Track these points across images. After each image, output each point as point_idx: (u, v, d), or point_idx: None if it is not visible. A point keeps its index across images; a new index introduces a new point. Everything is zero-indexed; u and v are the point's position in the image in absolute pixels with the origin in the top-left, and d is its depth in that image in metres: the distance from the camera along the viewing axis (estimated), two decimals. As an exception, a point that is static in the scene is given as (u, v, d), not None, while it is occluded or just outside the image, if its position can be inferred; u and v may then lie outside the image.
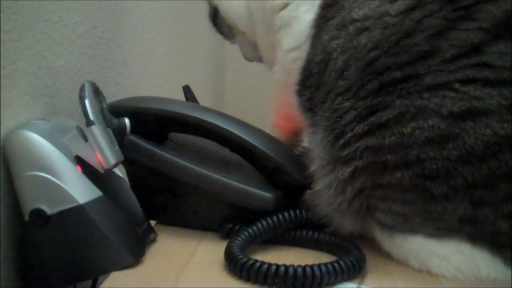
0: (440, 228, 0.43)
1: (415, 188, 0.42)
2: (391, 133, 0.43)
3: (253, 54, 0.68)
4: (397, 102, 0.43)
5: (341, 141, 0.45)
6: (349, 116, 0.45)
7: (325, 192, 0.47)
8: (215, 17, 0.69)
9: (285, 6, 0.57)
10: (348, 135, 0.45)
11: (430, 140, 0.41)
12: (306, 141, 0.60)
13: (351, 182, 0.45)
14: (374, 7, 0.46)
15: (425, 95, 0.42)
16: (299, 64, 0.53)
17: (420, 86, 0.42)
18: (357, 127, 0.44)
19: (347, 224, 0.48)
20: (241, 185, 0.50)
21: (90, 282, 0.47)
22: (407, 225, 0.44)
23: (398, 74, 0.43)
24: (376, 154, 0.43)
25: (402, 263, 0.46)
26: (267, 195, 0.50)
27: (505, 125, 0.40)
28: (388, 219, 0.45)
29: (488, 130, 0.40)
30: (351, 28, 0.46)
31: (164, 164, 0.51)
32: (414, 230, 0.44)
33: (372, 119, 0.43)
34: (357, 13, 0.47)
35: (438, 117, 0.41)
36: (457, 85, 0.41)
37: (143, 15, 0.82)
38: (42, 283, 0.44)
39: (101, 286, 0.41)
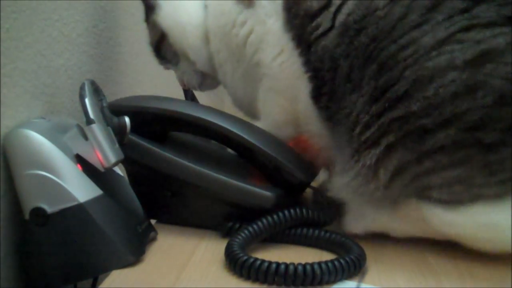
0: (502, 181, 0.42)
1: (466, 143, 0.42)
2: (415, 100, 0.43)
3: (197, 81, 0.66)
4: (407, 72, 0.43)
5: (358, 129, 0.45)
6: (358, 105, 0.45)
7: (354, 183, 0.46)
8: (161, 42, 0.65)
9: (250, 32, 0.55)
10: (365, 118, 0.45)
11: (458, 94, 0.42)
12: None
13: (384, 163, 0.44)
14: (367, 5, 0.46)
15: (433, 54, 0.42)
16: (287, 68, 0.53)
17: (422, 48, 0.43)
18: (373, 107, 0.44)
19: (382, 212, 0.46)
20: (241, 184, 0.50)
21: (90, 281, 0.48)
22: (468, 191, 0.43)
23: (392, 47, 0.44)
24: (408, 122, 0.43)
25: (402, 262, 0.46)
26: (267, 193, 0.50)
27: None
28: (446, 192, 0.44)
29: (509, 68, 0.41)
30: (351, 32, 0.47)
31: (164, 163, 0.51)
32: (476, 196, 0.43)
33: (388, 95, 0.44)
34: (356, 15, 0.47)
35: (456, 70, 0.42)
36: (459, 35, 0.42)
37: (142, 14, 0.82)
38: (42, 282, 0.44)
39: (101, 285, 0.41)
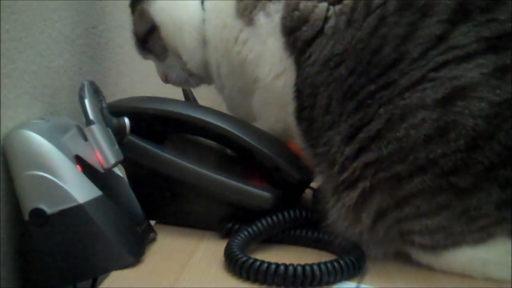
0: (483, 227, 0.42)
1: (442, 189, 0.41)
2: (386, 142, 0.42)
3: (183, 79, 0.64)
4: (381, 110, 0.42)
5: (336, 168, 0.44)
6: (335, 141, 0.45)
7: (339, 225, 0.46)
8: (149, 34, 0.61)
9: (251, 51, 0.54)
10: (340, 159, 0.44)
11: (429, 136, 0.41)
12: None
13: (364, 206, 0.43)
14: (349, 39, 0.45)
15: (406, 94, 0.42)
16: (286, 87, 0.51)
17: (398, 89, 0.42)
18: (347, 149, 0.44)
19: (376, 250, 0.46)
20: (240, 185, 0.50)
21: (90, 281, 0.48)
22: (450, 238, 0.43)
23: (372, 87, 0.43)
24: (381, 168, 0.42)
25: (402, 262, 0.46)
26: (266, 194, 0.50)
27: (497, 91, 0.39)
28: (428, 239, 0.43)
29: (482, 104, 0.39)
30: (331, 63, 0.46)
31: (164, 164, 0.51)
32: (458, 242, 0.43)
33: (361, 135, 0.43)
34: (337, 48, 0.46)
35: (426, 109, 0.41)
36: (432, 74, 0.41)
37: None
38: (42, 283, 0.44)
39: (100, 286, 0.41)
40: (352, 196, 0.44)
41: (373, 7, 0.44)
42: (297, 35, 0.49)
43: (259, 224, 0.47)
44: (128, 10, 0.74)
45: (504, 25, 0.41)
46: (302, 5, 0.48)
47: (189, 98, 0.65)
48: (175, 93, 0.66)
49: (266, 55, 0.52)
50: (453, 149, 0.40)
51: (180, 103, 0.56)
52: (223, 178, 0.50)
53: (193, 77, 0.63)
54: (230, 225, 0.50)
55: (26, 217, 0.43)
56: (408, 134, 0.41)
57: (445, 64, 0.41)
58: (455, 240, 0.43)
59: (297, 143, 0.53)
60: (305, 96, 0.48)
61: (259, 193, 0.50)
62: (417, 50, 0.42)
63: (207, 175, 0.51)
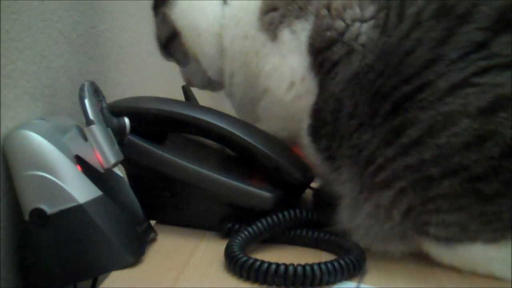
0: (498, 229, 0.43)
1: (466, 193, 0.42)
2: (427, 147, 0.42)
3: (204, 83, 0.63)
4: (422, 116, 0.42)
5: (371, 168, 0.45)
6: (373, 145, 0.44)
7: (366, 223, 0.46)
8: (171, 40, 0.60)
9: (270, 66, 0.53)
10: (379, 161, 0.44)
11: (467, 144, 0.41)
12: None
13: (397, 204, 0.44)
14: (380, 47, 0.45)
15: (447, 99, 0.41)
16: (301, 103, 0.51)
17: (437, 92, 0.42)
18: (386, 151, 0.44)
19: (395, 248, 0.47)
20: (240, 185, 0.50)
21: (90, 281, 0.48)
22: (464, 234, 0.43)
23: (407, 87, 0.43)
24: (419, 170, 0.42)
25: (401, 262, 0.46)
26: (267, 194, 0.50)
27: None
28: (443, 231, 0.44)
29: None
30: (360, 74, 0.45)
31: (164, 164, 0.51)
32: (472, 238, 0.43)
33: (402, 140, 0.43)
34: (369, 59, 0.45)
35: (468, 118, 0.41)
36: (474, 79, 0.41)
37: (143, 14, 0.82)
38: (42, 283, 0.44)
39: (100, 286, 0.41)
40: (387, 195, 0.44)
41: (407, 14, 0.44)
42: (327, 56, 0.48)
43: (259, 224, 0.47)
44: (128, 11, 0.74)
45: None
46: (336, 25, 0.48)
47: (189, 98, 0.65)
48: (175, 93, 0.66)
49: (284, 70, 0.51)
50: (486, 157, 0.41)
51: (180, 103, 0.56)
52: (223, 178, 0.50)
53: (214, 82, 0.62)
54: (230, 225, 0.50)
55: (26, 217, 0.43)
56: (449, 141, 0.41)
57: (488, 69, 0.41)
58: (469, 236, 0.43)
59: (305, 153, 0.53)
60: (328, 112, 0.48)
61: (259, 193, 0.50)
62: (455, 53, 0.42)
63: (207, 175, 0.51)
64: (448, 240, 0.44)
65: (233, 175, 0.51)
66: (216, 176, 0.51)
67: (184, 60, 0.62)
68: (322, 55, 0.48)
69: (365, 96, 0.45)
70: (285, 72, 0.51)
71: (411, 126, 0.43)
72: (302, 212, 0.49)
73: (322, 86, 0.49)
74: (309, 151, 0.52)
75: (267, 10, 0.52)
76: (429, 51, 0.43)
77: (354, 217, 0.47)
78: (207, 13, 0.57)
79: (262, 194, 0.50)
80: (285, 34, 0.51)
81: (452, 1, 0.43)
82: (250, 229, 0.47)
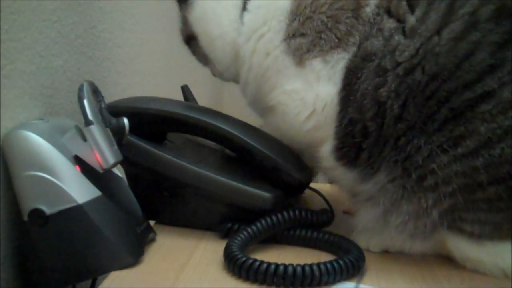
0: None
1: (509, 198, 0.42)
2: (482, 158, 0.42)
3: (227, 79, 0.62)
4: (482, 128, 0.42)
5: (419, 172, 0.44)
6: (425, 150, 0.44)
7: (402, 221, 0.46)
8: (191, 40, 0.60)
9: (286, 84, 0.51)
10: (430, 166, 0.44)
11: None
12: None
13: (438, 205, 0.44)
14: (417, 46, 0.44)
15: (510, 114, 0.41)
16: (319, 129, 0.50)
17: (501, 104, 0.42)
18: (440, 158, 0.43)
19: (420, 246, 0.48)
20: (240, 185, 0.50)
21: (89, 281, 0.48)
22: (496, 232, 0.44)
23: (469, 94, 0.42)
24: (469, 177, 0.43)
25: (401, 262, 0.46)
26: (266, 194, 0.50)
27: None
28: (477, 228, 0.44)
29: None
30: (399, 70, 0.45)
31: (163, 164, 0.51)
32: (503, 237, 0.44)
33: (459, 150, 0.43)
34: (400, 57, 0.45)
35: None
36: None
37: (142, 14, 0.82)
38: (41, 283, 0.44)
39: (100, 286, 0.41)
40: (431, 196, 0.44)
41: (459, 15, 0.43)
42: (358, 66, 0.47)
43: (258, 224, 0.47)
44: (127, 11, 0.74)
45: None
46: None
47: (188, 98, 0.65)
48: (175, 93, 0.66)
49: (307, 97, 0.50)
50: None
51: (179, 104, 0.56)
52: (222, 179, 0.50)
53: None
54: (229, 225, 0.50)
55: (26, 218, 0.43)
56: (503, 153, 0.42)
57: None
58: (501, 235, 0.44)
59: (326, 173, 0.53)
60: (368, 120, 0.46)
61: (259, 193, 0.50)
62: None
63: (207, 175, 0.51)
64: (480, 237, 0.45)
65: (232, 175, 0.51)
66: (215, 176, 0.51)
67: (204, 61, 0.61)
68: (354, 69, 0.47)
69: (416, 100, 0.44)
70: (308, 100, 0.50)
71: (470, 136, 0.43)
72: (301, 212, 0.49)
73: (348, 98, 0.47)
74: (334, 173, 0.51)
75: (294, 34, 0.51)
76: (490, 56, 0.42)
77: (390, 217, 0.46)
78: (222, 19, 0.56)
79: (262, 194, 0.50)
80: (315, 64, 0.49)
81: None
82: (249, 229, 0.47)
